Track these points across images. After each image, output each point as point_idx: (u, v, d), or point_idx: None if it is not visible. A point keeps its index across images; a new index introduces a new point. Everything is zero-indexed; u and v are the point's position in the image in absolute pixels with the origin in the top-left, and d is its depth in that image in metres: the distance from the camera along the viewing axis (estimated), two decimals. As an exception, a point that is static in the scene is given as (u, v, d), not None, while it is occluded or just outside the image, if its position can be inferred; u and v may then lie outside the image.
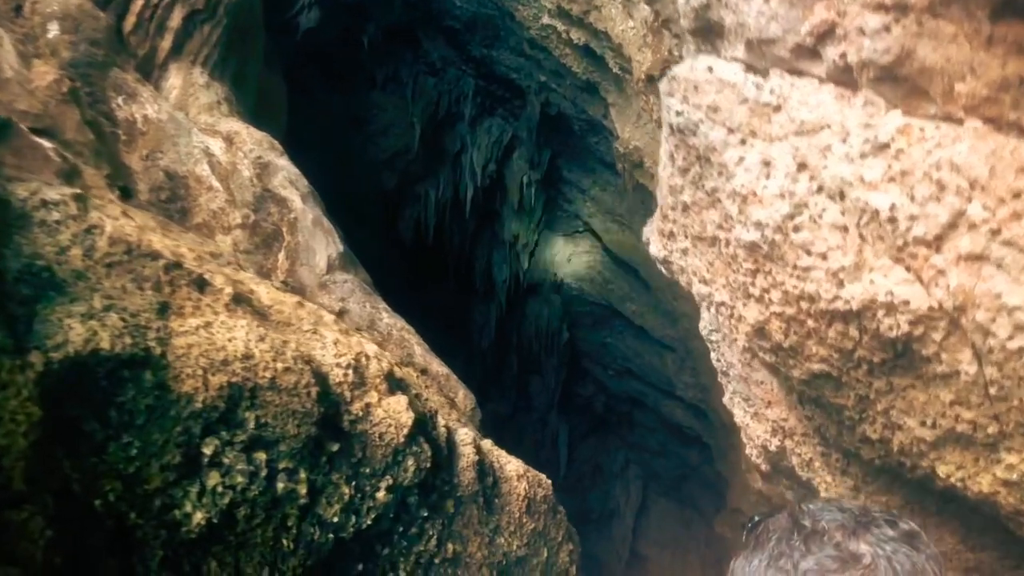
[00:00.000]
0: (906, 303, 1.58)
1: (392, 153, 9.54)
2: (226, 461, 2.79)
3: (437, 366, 4.91)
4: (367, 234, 9.96)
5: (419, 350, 4.85)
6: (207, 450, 2.75)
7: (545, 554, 4.24)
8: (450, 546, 3.75)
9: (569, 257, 11.64)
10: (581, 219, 10.53)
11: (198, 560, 2.72)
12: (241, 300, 3.19)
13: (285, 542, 2.99)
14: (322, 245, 4.50)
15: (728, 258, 1.93)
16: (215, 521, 2.74)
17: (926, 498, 2.33)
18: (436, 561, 3.69)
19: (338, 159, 9.11)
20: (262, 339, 2.92)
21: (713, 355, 3.09)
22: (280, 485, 2.94)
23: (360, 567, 3.43)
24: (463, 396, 4.94)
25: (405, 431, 3.38)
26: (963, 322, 1.54)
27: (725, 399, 3.19)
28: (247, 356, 2.85)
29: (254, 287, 3.48)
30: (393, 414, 3.38)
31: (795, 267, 1.74)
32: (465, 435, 4.02)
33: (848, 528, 0.93)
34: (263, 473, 2.88)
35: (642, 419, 14.90)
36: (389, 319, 4.81)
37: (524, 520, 4.14)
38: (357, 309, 4.60)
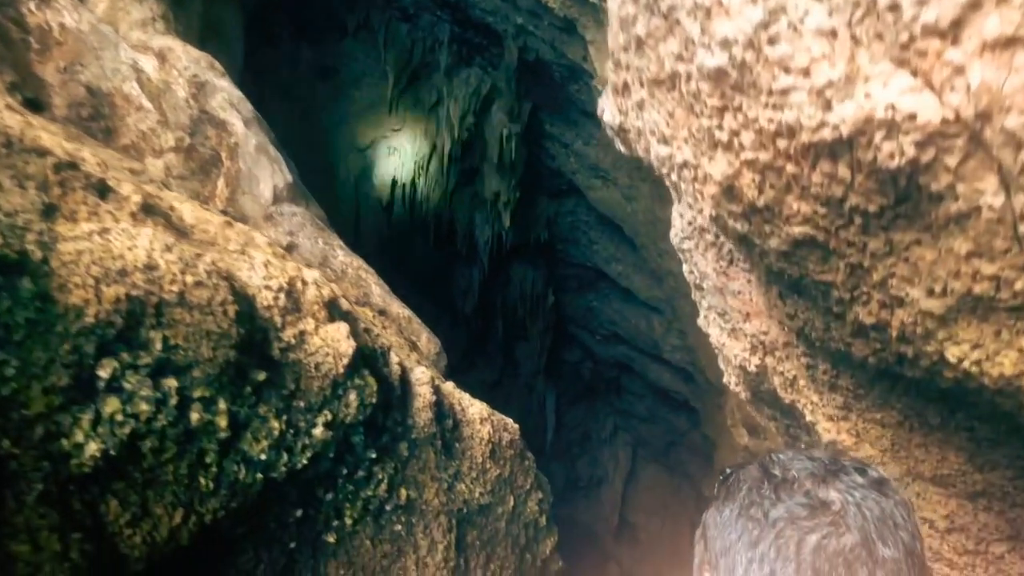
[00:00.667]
0: (912, 117, 1.20)
1: (364, 105, 9.10)
2: (127, 386, 2.41)
3: (398, 308, 4.53)
4: (334, 194, 9.53)
5: (377, 291, 4.47)
6: (103, 373, 2.36)
7: (512, 503, 3.90)
8: (403, 492, 3.39)
9: (553, 216, 11.24)
10: (564, 176, 10.13)
11: (93, 498, 2.35)
12: (153, 211, 2.79)
13: (203, 481, 2.62)
14: (267, 173, 4.10)
15: (690, 100, 1.54)
16: (114, 454, 2.37)
17: (927, 409, 1.97)
18: (387, 508, 3.33)
19: (306, 112, 8.67)
20: (169, 249, 2.52)
21: (686, 267, 2.71)
22: (195, 416, 2.56)
23: (299, 513, 3.07)
24: (426, 339, 4.57)
25: (345, 361, 3.00)
26: (987, 135, 1.16)
27: (700, 320, 2.82)
28: (150, 267, 2.46)
29: (176, 204, 3.08)
30: (331, 342, 3.00)
31: (770, 92, 1.36)
32: (422, 374, 3.64)
33: (818, 476, 0.93)
34: (173, 401, 2.50)
35: (630, 385, 14.60)
36: (345, 257, 4.43)
37: (488, 466, 3.78)
38: (308, 244, 4.21)
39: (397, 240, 10.62)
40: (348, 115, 9.16)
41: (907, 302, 1.48)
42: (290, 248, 4.05)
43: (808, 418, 2.47)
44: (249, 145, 4.03)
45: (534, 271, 12.33)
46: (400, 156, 9.87)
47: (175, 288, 2.50)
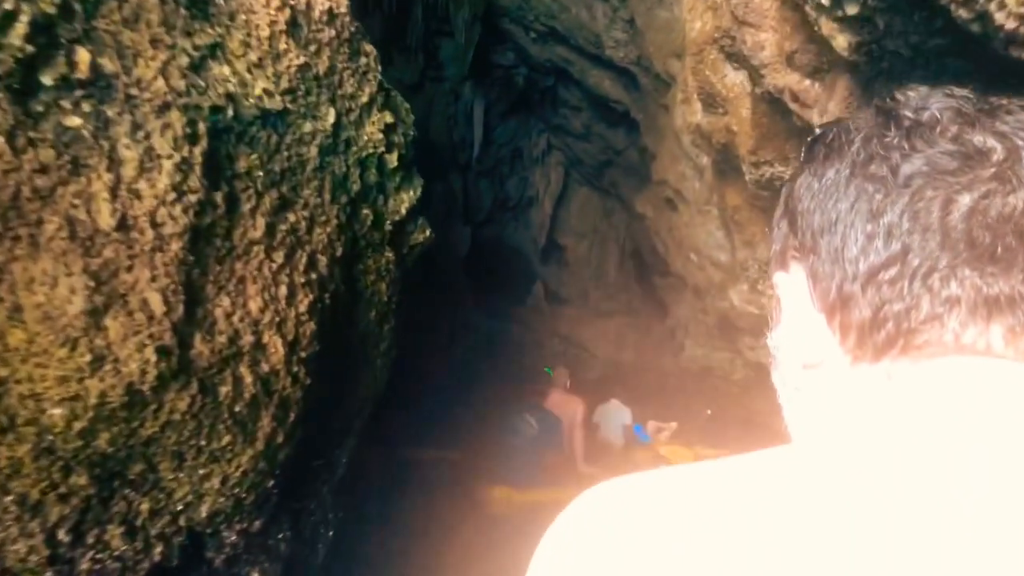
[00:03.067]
0: None
1: None
2: None
3: None
4: None
5: None
6: None
7: (331, 119, 2.42)
8: (85, 55, 1.85)
9: None
10: None
11: None
12: None
13: None
14: None
15: None
16: None
17: None
18: (46, 82, 1.82)
19: None
20: None
21: None
22: None
23: None
24: None
25: None
26: None
27: None
28: None
29: None
30: None
31: None
32: None
33: (968, 115, 0.58)
34: None
35: (567, 97, 12.91)
36: None
37: (284, 47, 2.25)
38: None
39: None
40: None
41: None
42: None
43: None
44: None
45: (460, -56, 10.05)
46: None
47: None
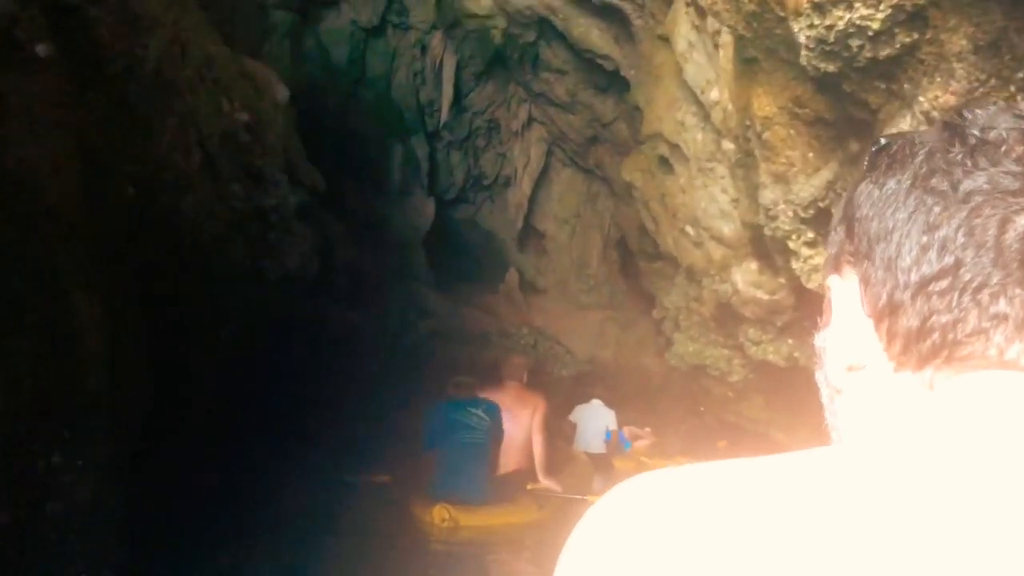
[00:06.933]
0: None
1: None
2: None
3: None
4: None
5: None
6: None
7: None
8: None
9: None
10: None
11: None
12: None
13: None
14: None
15: None
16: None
17: None
18: None
19: None
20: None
21: None
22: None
23: None
24: None
25: None
26: None
27: None
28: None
29: None
30: None
31: None
32: None
33: None
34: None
35: (549, 58, 11.10)
36: None
37: None
38: None
39: None
40: None
41: None
42: None
43: None
44: None
45: None
46: None
47: None
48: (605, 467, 8.29)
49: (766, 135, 3.58)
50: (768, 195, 3.81)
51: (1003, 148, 0.56)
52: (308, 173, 5.30)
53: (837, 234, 0.66)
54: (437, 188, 12.79)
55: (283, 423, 6.42)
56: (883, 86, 2.62)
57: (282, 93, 4.44)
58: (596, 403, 8.55)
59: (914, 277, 0.56)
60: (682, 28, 5.53)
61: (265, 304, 4.54)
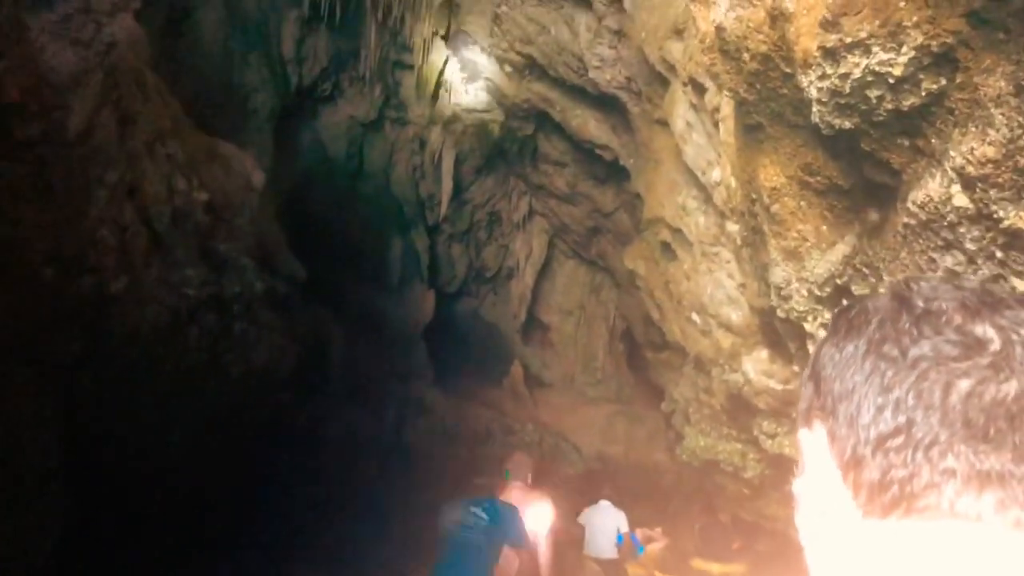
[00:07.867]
0: None
1: None
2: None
3: None
4: None
5: None
6: None
7: None
8: None
9: None
10: None
11: None
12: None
13: None
14: None
15: None
16: None
17: None
18: None
19: None
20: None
21: None
22: None
23: None
24: None
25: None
26: None
27: None
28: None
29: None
30: None
31: None
32: None
33: (971, 308, 0.66)
34: None
35: (548, 150, 11.08)
36: None
37: None
38: None
39: None
40: None
41: None
42: None
43: None
44: None
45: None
46: None
47: None
48: (617, 574, 7.63)
49: (775, 208, 3.27)
50: (779, 273, 3.47)
51: (943, 318, 0.63)
52: (286, 262, 5.00)
53: (807, 389, 0.70)
54: (438, 281, 12.56)
55: (272, 529, 5.90)
56: (907, 142, 2.32)
57: (258, 177, 4.23)
58: (605, 504, 7.95)
59: (873, 434, 0.61)
60: (680, 108, 5.35)
61: (230, 403, 4.12)
